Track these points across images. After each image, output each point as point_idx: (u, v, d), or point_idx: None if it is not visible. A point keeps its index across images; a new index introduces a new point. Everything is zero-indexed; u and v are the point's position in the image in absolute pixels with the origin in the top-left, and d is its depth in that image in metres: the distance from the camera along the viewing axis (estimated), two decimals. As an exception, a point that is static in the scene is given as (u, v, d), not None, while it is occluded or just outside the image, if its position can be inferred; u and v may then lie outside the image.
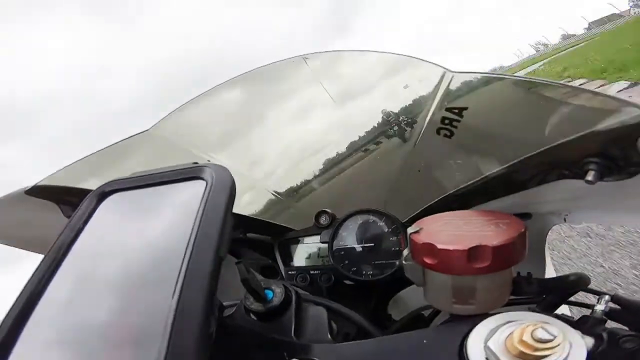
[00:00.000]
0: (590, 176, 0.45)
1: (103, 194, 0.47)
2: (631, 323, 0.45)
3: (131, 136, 0.72)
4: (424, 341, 0.37)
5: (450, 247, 0.36)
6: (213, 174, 0.41)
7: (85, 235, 0.43)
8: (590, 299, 0.50)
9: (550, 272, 0.84)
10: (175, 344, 0.29)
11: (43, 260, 0.40)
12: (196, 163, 0.46)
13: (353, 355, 0.39)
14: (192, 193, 0.41)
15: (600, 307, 0.43)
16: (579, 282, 0.45)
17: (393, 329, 0.62)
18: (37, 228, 0.73)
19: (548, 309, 0.47)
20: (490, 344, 0.32)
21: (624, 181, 0.47)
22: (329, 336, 0.45)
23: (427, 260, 0.38)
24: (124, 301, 0.37)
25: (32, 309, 0.37)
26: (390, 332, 0.59)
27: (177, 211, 0.43)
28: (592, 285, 0.51)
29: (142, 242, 0.43)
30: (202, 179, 0.42)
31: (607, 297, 0.44)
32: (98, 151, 0.70)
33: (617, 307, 0.47)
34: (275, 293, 0.46)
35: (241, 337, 0.44)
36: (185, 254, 0.35)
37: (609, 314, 0.44)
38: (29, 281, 0.39)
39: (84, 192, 0.48)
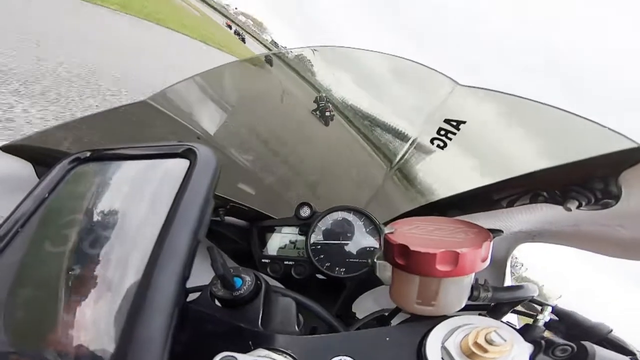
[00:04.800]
0: (570, 204, 0.48)
1: (78, 161, 0.45)
2: (564, 333, 0.50)
3: (127, 104, 0.70)
4: (386, 338, 0.38)
5: (422, 250, 0.37)
6: (198, 153, 0.40)
7: (52, 202, 0.41)
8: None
9: (507, 283, 0.88)
10: (139, 332, 0.27)
11: (2, 223, 0.38)
12: (181, 141, 0.44)
13: (318, 348, 0.39)
14: (173, 171, 0.39)
15: (542, 317, 0.46)
16: (527, 293, 0.48)
17: (357, 326, 0.63)
18: (8, 187, 0.71)
19: (497, 315, 0.49)
20: (447, 344, 0.34)
21: (595, 212, 0.50)
22: (296, 328, 0.45)
23: (399, 261, 0.39)
24: (84, 280, 0.35)
25: None
26: (354, 329, 0.60)
27: (156, 188, 0.41)
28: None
29: (113, 215, 0.41)
30: (186, 157, 0.41)
31: (549, 308, 0.48)
32: (88, 115, 0.67)
33: (556, 317, 0.52)
34: (245, 281, 0.45)
35: (205, 324, 0.43)
36: (160, 234, 0.32)
37: (547, 324, 0.48)
38: None
39: (62, 155, 0.46)
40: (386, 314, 0.64)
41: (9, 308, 0.36)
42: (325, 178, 1.04)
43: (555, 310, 0.51)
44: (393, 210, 0.85)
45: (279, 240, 0.93)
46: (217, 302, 0.46)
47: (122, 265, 0.35)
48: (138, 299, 0.29)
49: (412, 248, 0.38)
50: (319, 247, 0.83)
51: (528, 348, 0.35)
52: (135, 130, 0.74)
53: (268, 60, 0.88)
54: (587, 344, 0.35)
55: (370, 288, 0.85)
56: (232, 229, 0.94)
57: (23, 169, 0.67)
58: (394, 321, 0.66)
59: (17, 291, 0.37)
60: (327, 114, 0.96)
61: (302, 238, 0.88)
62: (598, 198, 0.48)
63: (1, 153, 0.65)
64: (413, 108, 0.81)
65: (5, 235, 0.38)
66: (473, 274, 0.40)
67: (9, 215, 0.39)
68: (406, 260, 0.38)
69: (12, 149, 0.65)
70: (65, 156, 0.46)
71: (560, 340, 0.36)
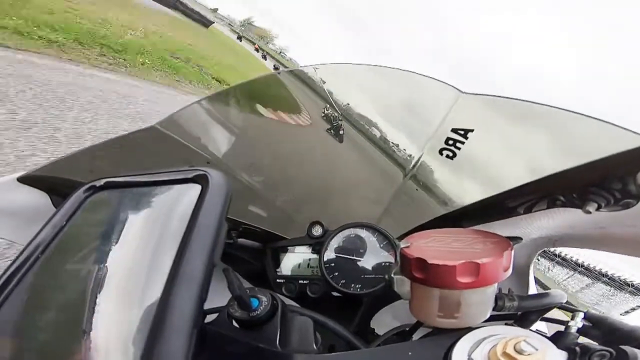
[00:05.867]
0: (589, 206, 0.46)
1: (93, 189, 0.46)
2: (600, 339, 0.47)
3: (136, 131, 0.72)
4: (409, 353, 0.37)
5: (440, 263, 0.36)
6: (210, 178, 0.40)
7: (70, 229, 0.42)
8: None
9: (532, 290, 0.85)
10: (159, 354, 0.27)
11: (22, 251, 0.39)
12: (193, 166, 0.45)
13: None
14: (186, 196, 0.40)
15: (574, 324, 0.44)
16: (555, 300, 0.46)
17: (377, 342, 0.61)
18: (25, 218, 0.72)
19: (525, 324, 0.47)
20: (474, 356, 0.33)
21: (617, 212, 0.48)
22: (314, 347, 0.44)
23: (417, 275, 0.38)
24: (103, 304, 0.36)
25: (4, 302, 0.35)
26: (374, 346, 0.59)
27: (170, 214, 0.42)
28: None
29: (129, 242, 0.41)
30: (198, 182, 0.41)
31: (581, 314, 0.46)
32: (100, 143, 0.69)
33: (589, 323, 0.49)
34: (262, 302, 0.45)
35: (224, 345, 0.43)
36: (175, 259, 0.33)
37: (580, 330, 0.45)
38: (3, 273, 0.37)
39: (76, 185, 0.47)
40: (407, 328, 0.62)
41: (30, 331, 0.36)
42: (335, 195, 1.04)
43: (587, 316, 0.49)
44: (406, 224, 0.84)
45: (292, 260, 0.92)
46: (234, 323, 0.46)
47: (140, 289, 0.35)
48: (157, 322, 0.29)
49: (430, 261, 0.37)
50: (332, 264, 0.82)
51: (562, 356, 0.33)
52: (146, 155, 0.76)
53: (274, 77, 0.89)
54: (627, 348, 0.33)
55: (388, 303, 0.84)
56: (245, 250, 0.94)
57: (39, 199, 0.68)
58: (416, 336, 0.63)
59: (38, 315, 0.37)
60: (341, 132, 0.97)
61: (316, 257, 0.87)
62: (617, 198, 0.47)
63: (18, 184, 0.66)
64: (419, 120, 0.81)
65: (26, 262, 0.39)
66: (496, 284, 0.39)
67: (29, 242, 0.40)
68: (425, 273, 0.38)
69: (28, 180, 0.67)
70: (79, 185, 0.47)
71: (597, 346, 0.34)
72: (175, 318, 0.29)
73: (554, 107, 0.53)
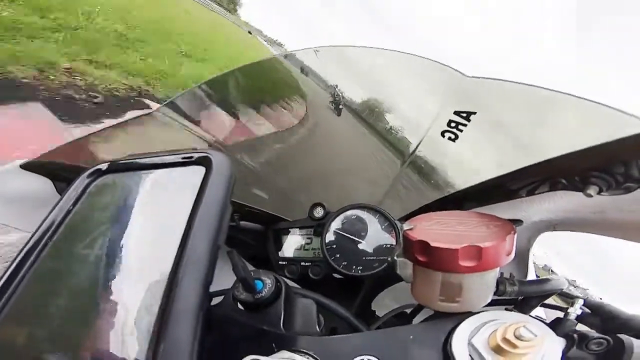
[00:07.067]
0: (590, 190, 0.46)
1: (97, 174, 0.46)
2: (598, 326, 0.48)
3: (136, 117, 0.71)
4: (410, 337, 0.38)
5: (443, 246, 0.36)
6: (213, 160, 0.40)
7: (76, 214, 0.42)
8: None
9: (531, 275, 0.86)
10: (168, 335, 0.28)
11: (30, 238, 0.39)
12: (195, 149, 0.45)
13: (341, 349, 0.39)
14: (190, 179, 0.40)
15: (574, 311, 0.45)
16: (556, 286, 0.46)
17: (377, 324, 0.62)
18: (29, 204, 0.72)
19: (525, 310, 0.48)
20: (474, 341, 0.33)
21: (619, 196, 0.48)
22: (317, 329, 0.45)
23: (419, 257, 0.39)
24: (112, 287, 0.36)
25: (17, 287, 0.36)
26: (375, 328, 0.60)
27: (174, 196, 0.42)
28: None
29: (134, 225, 0.42)
30: (201, 164, 0.41)
31: (580, 301, 0.46)
32: (102, 129, 0.68)
33: (588, 310, 0.50)
34: (266, 284, 0.46)
35: (229, 328, 0.44)
36: (181, 242, 0.33)
37: (580, 318, 0.46)
38: (14, 260, 0.37)
39: (79, 170, 0.47)
40: (407, 310, 0.63)
41: (41, 315, 0.37)
42: (337, 177, 1.04)
43: (586, 303, 0.49)
44: (408, 206, 0.84)
45: (294, 242, 0.93)
46: (239, 305, 0.47)
47: (146, 272, 0.36)
48: (164, 305, 0.30)
49: (432, 244, 0.37)
50: (334, 246, 0.82)
51: (560, 342, 0.33)
52: (148, 140, 0.75)
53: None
54: (623, 336, 0.34)
55: (389, 285, 0.85)
56: (247, 232, 0.94)
57: (42, 185, 0.68)
58: (417, 319, 0.65)
59: (48, 299, 0.38)
60: (341, 106, 0.96)
61: (317, 238, 0.88)
62: (619, 182, 0.47)
63: (21, 171, 0.66)
64: (421, 102, 0.80)
65: (36, 247, 0.39)
66: (498, 269, 0.39)
67: (37, 228, 0.41)
68: (427, 256, 0.38)
69: (31, 167, 0.67)
70: (83, 170, 0.47)
71: (595, 334, 0.35)
72: (182, 301, 0.29)
73: (559, 92, 0.52)
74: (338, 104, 0.95)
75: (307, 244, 0.91)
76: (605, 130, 0.44)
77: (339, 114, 0.96)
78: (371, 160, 1.02)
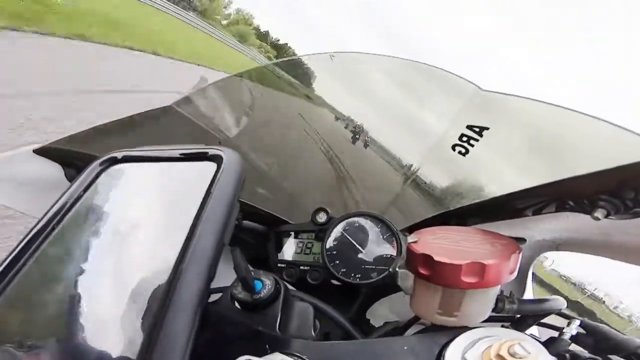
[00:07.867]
0: (598, 213, 0.46)
1: (109, 162, 0.47)
2: (591, 347, 0.47)
3: (152, 109, 0.72)
4: (404, 347, 0.38)
5: (447, 261, 0.36)
6: (225, 158, 0.40)
7: (85, 201, 0.43)
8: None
9: (528, 293, 0.85)
10: (165, 330, 0.28)
11: (36, 223, 0.40)
12: (207, 145, 0.45)
13: (335, 355, 0.39)
14: (200, 174, 0.40)
15: (568, 330, 0.44)
16: (554, 306, 0.46)
17: (374, 335, 0.62)
18: (38, 190, 0.73)
19: (522, 327, 0.48)
20: (467, 355, 0.34)
21: (626, 220, 0.48)
22: (312, 334, 0.45)
23: (422, 271, 0.39)
24: (115, 277, 0.37)
25: (19, 271, 0.36)
26: (371, 337, 0.60)
27: (184, 190, 0.42)
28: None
29: (142, 216, 0.42)
30: (212, 161, 0.41)
31: (577, 322, 0.46)
32: (115, 120, 0.69)
33: (584, 331, 0.49)
34: (265, 285, 0.46)
35: (224, 326, 0.44)
36: (187, 236, 0.33)
37: (575, 338, 0.46)
38: (18, 243, 0.38)
39: (91, 158, 0.48)
40: (399, 321, 0.63)
41: (39, 301, 0.37)
42: (342, 183, 1.04)
43: (583, 324, 0.49)
44: (411, 217, 0.84)
45: (295, 245, 0.93)
46: (236, 304, 0.46)
47: (151, 264, 0.36)
48: (165, 298, 0.30)
49: (436, 258, 0.37)
50: (334, 252, 0.82)
51: None
52: (160, 134, 0.76)
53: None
54: (614, 358, 0.34)
55: (386, 295, 0.84)
56: (249, 232, 0.94)
57: (54, 172, 0.69)
58: (411, 331, 0.64)
59: (50, 288, 0.38)
60: (360, 138, 0.97)
61: (318, 243, 0.88)
62: (628, 207, 0.46)
63: (34, 155, 0.67)
64: (434, 114, 0.80)
65: (42, 232, 0.39)
66: (499, 286, 0.39)
67: (45, 213, 0.41)
68: (430, 270, 0.38)
69: (44, 152, 0.67)
70: (95, 158, 0.48)
71: (586, 354, 0.35)
72: (183, 295, 0.30)
73: (575, 110, 0.52)
74: (356, 134, 0.96)
75: (308, 248, 0.91)
76: (619, 153, 0.44)
77: (353, 142, 0.97)
78: (378, 169, 1.02)
